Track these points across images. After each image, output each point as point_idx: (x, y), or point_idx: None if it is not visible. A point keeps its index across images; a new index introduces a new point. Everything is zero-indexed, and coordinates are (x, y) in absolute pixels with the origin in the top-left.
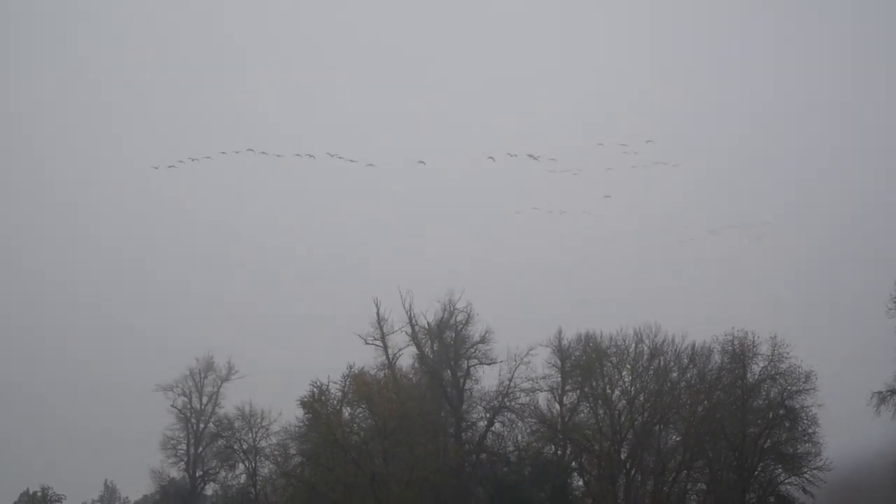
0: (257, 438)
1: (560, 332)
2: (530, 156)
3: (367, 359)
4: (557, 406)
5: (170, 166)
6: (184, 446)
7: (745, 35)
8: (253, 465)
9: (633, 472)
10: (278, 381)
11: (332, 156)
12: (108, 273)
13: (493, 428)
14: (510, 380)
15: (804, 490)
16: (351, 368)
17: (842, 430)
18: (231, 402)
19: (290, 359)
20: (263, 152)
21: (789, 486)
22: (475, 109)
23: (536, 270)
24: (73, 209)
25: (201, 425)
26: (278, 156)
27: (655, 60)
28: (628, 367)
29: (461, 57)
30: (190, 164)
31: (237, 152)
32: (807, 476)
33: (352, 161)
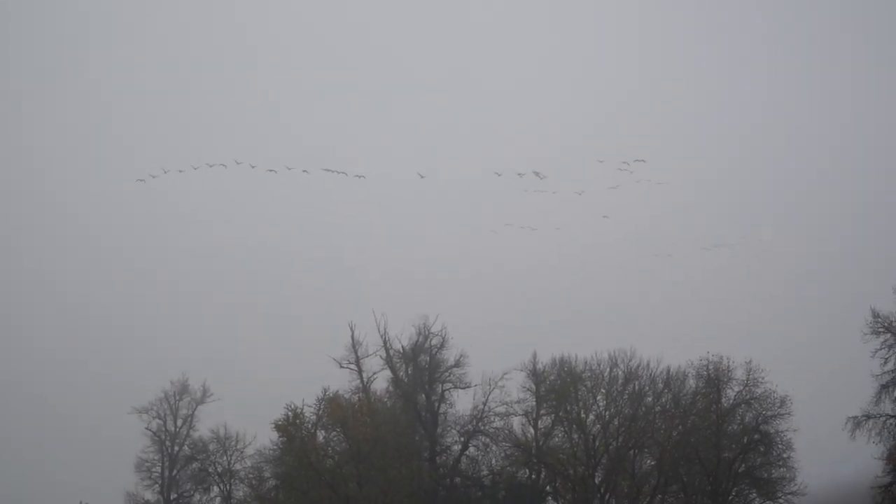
0: (232, 461)
1: (535, 355)
2: (535, 173)
3: (342, 382)
4: (532, 430)
5: (153, 176)
6: (158, 469)
7: (737, 50)
8: (227, 488)
9: (607, 496)
10: (253, 403)
11: (328, 171)
12: (86, 291)
13: (467, 452)
14: (484, 404)
15: None
16: (325, 392)
17: (818, 455)
18: (206, 424)
19: (265, 381)
20: (252, 165)
21: None
22: (472, 126)
23: (515, 287)
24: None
25: (176, 448)
26: (270, 170)
27: (647, 80)
28: (603, 391)
29: (453, 72)
30: (176, 178)
31: (224, 165)
32: (781, 501)
33: (342, 173)
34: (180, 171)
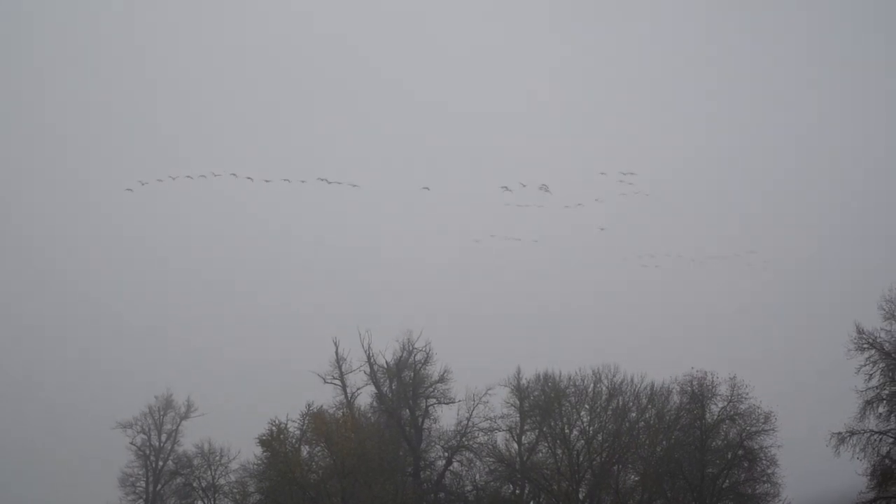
0: (216, 476)
1: (519, 371)
2: (542, 187)
3: (326, 397)
4: (516, 445)
5: (143, 183)
6: (143, 483)
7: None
8: (212, 502)
9: None
10: (237, 418)
11: (321, 180)
12: (72, 305)
13: (451, 467)
14: (468, 419)
15: None
16: (309, 407)
17: (802, 471)
18: (190, 439)
19: (250, 396)
20: (249, 177)
21: None
22: (474, 139)
23: (502, 299)
24: (35, 236)
25: (160, 463)
26: (266, 181)
27: (644, 95)
28: (587, 406)
29: (450, 82)
30: (167, 191)
31: (217, 175)
32: None
33: (338, 183)
34: (173, 179)
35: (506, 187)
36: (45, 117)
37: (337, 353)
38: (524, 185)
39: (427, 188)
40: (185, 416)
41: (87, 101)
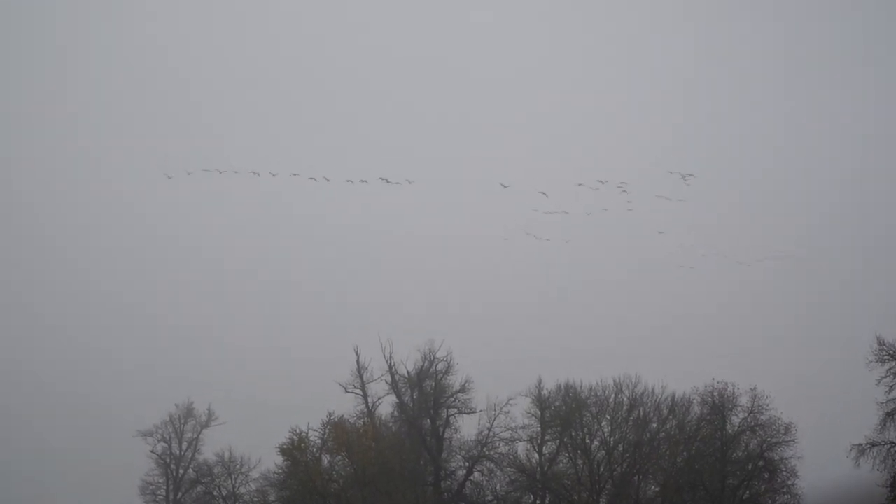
0: (237, 485)
1: (540, 381)
2: (621, 185)
3: (347, 407)
4: (536, 456)
5: (187, 173)
6: (163, 492)
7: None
8: None
9: None
10: (258, 427)
11: (383, 180)
12: (91, 307)
13: (472, 477)
14: (489, 429)
15: None
16: (330, 416)
17: (822, 482)
18: (210, 448)
19: (270, 405)
20: (294, 173)
21: None
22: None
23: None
24: (57, 228)
25: (181, 471)
26: (326, 179)
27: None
28: (608, 417)
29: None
30: (191, 183)
31: (236, 171)
32: None
33: (396, 183)
34: (205, 171)
35: (581, 184)
36: (72, 110)
37: (358, 362)
38: (602, 183)
39: (505, 185)
40: (206, 425)
41: (116, 93)
